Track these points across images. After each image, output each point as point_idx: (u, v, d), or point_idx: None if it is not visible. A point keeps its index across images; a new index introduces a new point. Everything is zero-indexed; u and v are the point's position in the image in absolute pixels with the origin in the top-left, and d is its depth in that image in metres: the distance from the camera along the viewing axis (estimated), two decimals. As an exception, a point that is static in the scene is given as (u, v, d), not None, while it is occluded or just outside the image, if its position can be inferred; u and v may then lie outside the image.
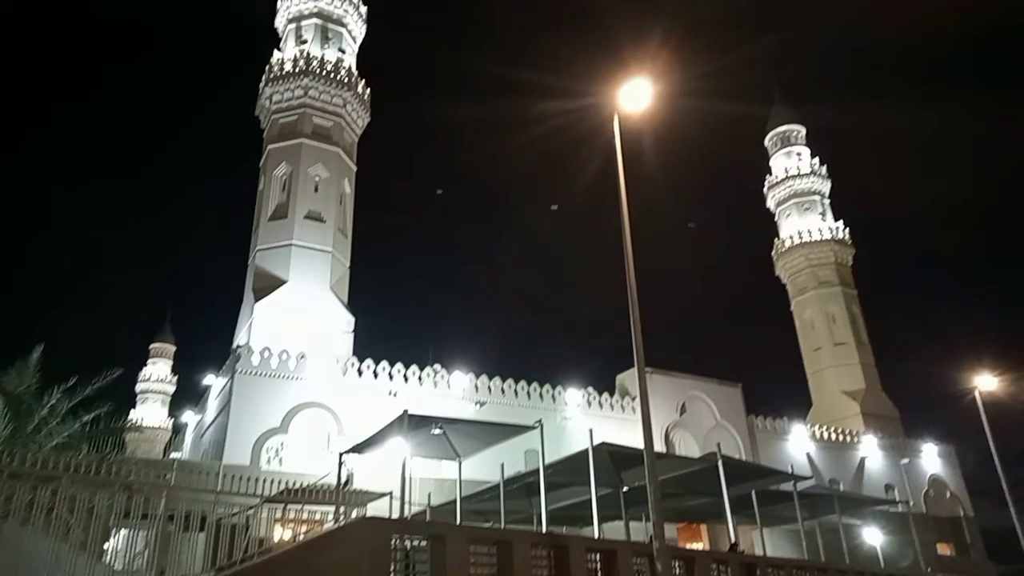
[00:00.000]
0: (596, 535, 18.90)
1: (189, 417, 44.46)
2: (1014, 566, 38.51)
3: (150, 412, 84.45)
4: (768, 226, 70.15)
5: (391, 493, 21.43)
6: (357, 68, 50.01)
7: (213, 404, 36.90)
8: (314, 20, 49.51)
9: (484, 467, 23.79)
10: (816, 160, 69.20)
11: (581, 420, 38.51)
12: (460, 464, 22.05)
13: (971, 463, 54.59)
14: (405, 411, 18.48)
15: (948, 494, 53.34)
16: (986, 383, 30.65)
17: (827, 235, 64.08)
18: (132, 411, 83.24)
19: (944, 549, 48.21)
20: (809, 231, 64.60)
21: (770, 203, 69.93)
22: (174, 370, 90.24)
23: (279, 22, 51.31)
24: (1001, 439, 30.26)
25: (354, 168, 47.11)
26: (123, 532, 19.46)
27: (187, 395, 63.94)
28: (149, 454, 67.13)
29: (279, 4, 51.17)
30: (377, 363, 36.25)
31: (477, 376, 38.56)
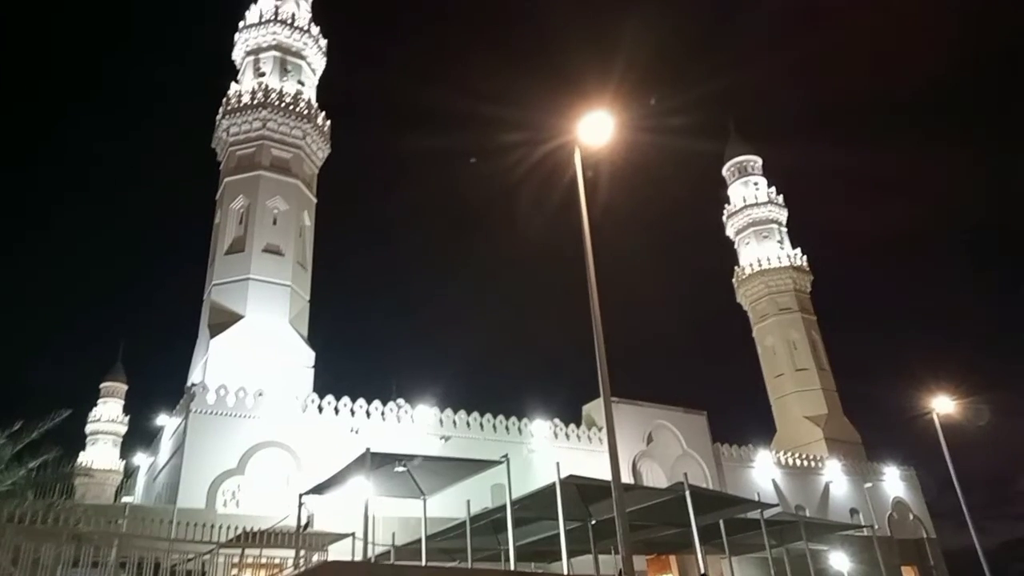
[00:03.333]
0: (565, 570, 18.50)
1: (141, 459, 42.88)
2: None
3: (101, 454, 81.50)
4: (728, 254, 71.30)
5: (353, 534, 20.77)
6: (317, 100, 49.79)
7: (167, 445, 35.64)
8: (273, 52, 49.26)
9: (450, 504, 23.24)
10: (772, 189, 70.69)
11: (548, 452, 38.09)
12: (425, 502, 21.50)
13: (934, 490, 55.44)
14: (367, 449, 17.95)
15: (911, 517, 53.95)
16: (943, 406, 31.15)
17: (785, 262, 65.21)
18: (82, 453, 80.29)
19: (908, 572, 48.64)
20: (768, 258, 65.68)
21: (729, 231, 71.07)
22: (126, 410, 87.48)
23: (237, 55, 50.94)
24: (961, 461, 30.72)
25: (314, 200, 46.60)
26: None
27: (140, 436, 61.93)
28: (100, 499, 64.61)
29: (237, 37, 50.84)
30: (338, 399, 35.45)
31: (442, 410, 37.96)
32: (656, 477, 42.16)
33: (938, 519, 54.64)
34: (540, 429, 39.93)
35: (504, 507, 18.47)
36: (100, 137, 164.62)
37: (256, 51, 49.60)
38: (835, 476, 51.44)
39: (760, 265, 65.55)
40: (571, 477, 19.11)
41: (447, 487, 21.89)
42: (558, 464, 18.59)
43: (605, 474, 15.17)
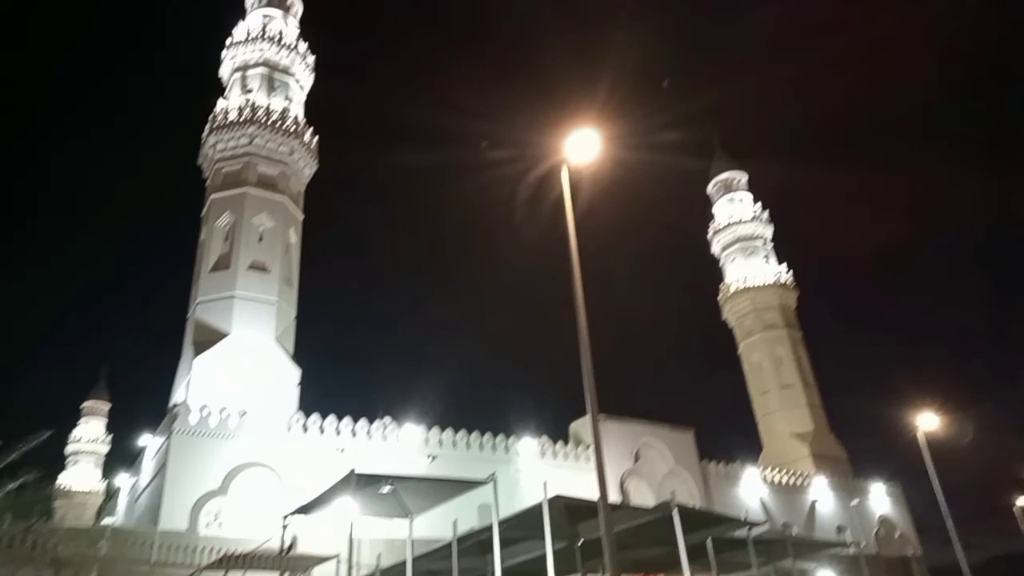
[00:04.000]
0: (552, 592, 18.28)
1: (123, 480, 42.21)
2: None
3: (81, 474, 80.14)
4: (714, 271, 71.52)
5: (338, 556, 20.50)
6: (305, 117, 49.76)
7: (149, 466, 35.14)
8: (260, 69, 49.26)
9: (436, 524, 22.99)
10: (759, 206, 71.02)
11: (535, 470, 37.89)
12: (411, 522, 21.25)
13: (920, 507, 55.52)
14: (352, 470, 17.73)
15: (897, 534, 53.97)
16: (928, 422, 31.25)
17: (771, 279, 65.42)
18: (62, 474, 78.96)
19: (896, 589, 48.55)
20: (754, 275, 65.91)
21: (715, 248, 71.29)
22: (108, 429, 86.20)
23: (224, 71, 50.91)
24: (947, 476, 30.77)
25: (301, 217, 46.42)
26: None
27: (122, 456, 60.98)
28: (80, 520, 63.53)
29: (224, 54, 50.84)
30: (324, 418, 35.13)
31: (429, 428, 37.71)
32: (644, 495, 42.00)
33: (925, 535, 54.78)
34: (527, 447, 39.72)
35: (491, 527, 18.29)
36: (82, 153, 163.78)
37: (243, 68, 49.60)
38: (822, 493, 51.45)
39: (746, 282, 65.78)
40: (558, 497, 18.96)
41: (433, 507, 21.66)
42: (545, 484, 18.44)
43: (593, 492, 15.06)
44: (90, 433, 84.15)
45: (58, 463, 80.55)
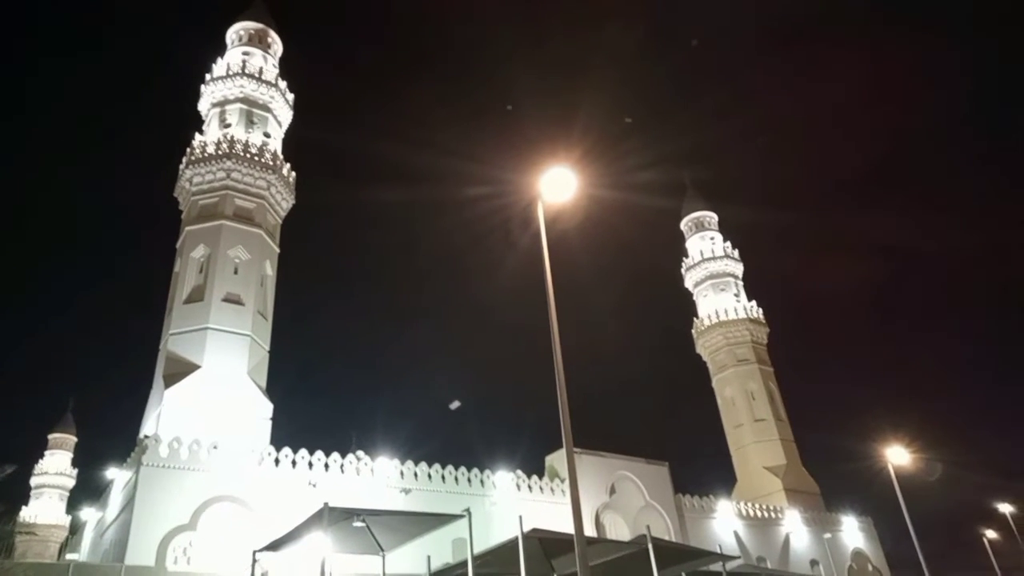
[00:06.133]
0: (527, 628, 18.16)
1: (89, 514, 41.21)
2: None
3: (46, 508, 78.04)
4: (688, 306, 72.44)
5: (310, 592, 20.18)
6: (283, 152, 49.99)
7: (116, 499, 34.39)
8: (239, 105, 49.55)
9: (410, 560, 22.80)
10: (728, 244, 72.52)
11: (511, 504, 37.66)
12: (384, 559, 21.04)
13: (890, 541, 55.90)
14: (325, 504, 17.60)
15: (870, 567, 54.24)
16: (898, 456, 31.74)
17: (743, 315, 66.44)
18: (25, 508, 76.77)
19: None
20: (725, 310, 66.89)
21: (688, 284, 72.41)
22: (75, 463, 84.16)
23: (203, 106, 51.12)
24: (918, 509, 31.19)
25: (277, 250, 46.37)
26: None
27: (88, 491, 59.53)
28: (43, 556, 61.68)
29: (203, 88, 51.10)
30: (296, 451, 34.74)
31: (403, 462, 37.42)
32: (619, 529, 41.90)
33: (897, 569, 55.02)
34: (503, 481, 39.54)
35: (465, 563, 18.22)
36: (54, 181, 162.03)
37: (222, 103, 49.85)
38: (795, 527, 51.67)
39: (718, 317, 66.71)
40: (534, 531, 18.96)
41: (407, 542, 21.48)
42: (520, 519, 18.45)
43: (568, 526, 15.12)
44: (56, 466, 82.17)
45: (22, 496, 78.44)
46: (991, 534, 46.95)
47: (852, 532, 55.22)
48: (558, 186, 15.32)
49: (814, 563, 50.41)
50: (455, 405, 19.20)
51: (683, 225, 75.44)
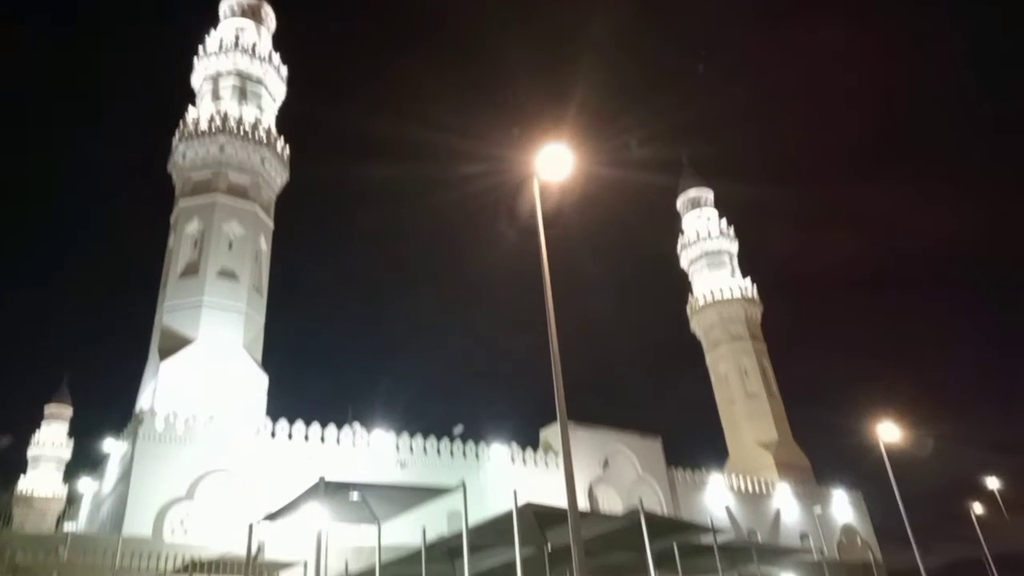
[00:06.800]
0: (520, 598, 18.44)
1: (86, 485, 41.51)
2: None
3: (43, 479, 78.45)
4: (683, 283, 72.62)
5: (305, 563, 20.46)
6: (277, 127, 49.58)
7: (113, 471, 34.64)
8: (232, 79, 49.04)
9: (405, 530, 23.05)
10: (724, 221, 72.53)
11: (505, 476, 38.08)
12: (379, 529, 21.28)
13: (881, 514, 56.69)
14: (321, 478, 17.75)
15: (859, 541, 55.04)
16: (889, 432, 32.07)
17: (737, 294, 66.70)
18: (22, 478, 77.24)
19: (856, 595, 49.48)
20: (720, 288, 67.12)
21: (683, 262, 72.53)
22: (71, 435, 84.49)
23: (196, 80, 50.57)
24: (908, 483, 31.57)
25: (271, 226, 46.21)
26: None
27: (83, 463, 59.85)
28: (40, 527, 62.19)
29: (196, 62, 50.51)
30: (292, 424, 34.97)
31: (399, 435, 37.71)
32: (612, 502, 42.39)
33: (886, 541, 55.82)
34: (498, 454, 39.90)
35: (460, 535, 18.43)
36: (47, 155, 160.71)
37: (215, 77, 49.31)
38: (786, 501, 52.33)
39: (713, 296, 66.96)
40: (528, 505, 19.16)
41: (402, 513, 21.72)
42: (515, 492, 18.63)
43: (562, 497, 15.31)
44: (52, 437, 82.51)
45: (19, 467, 78.92)
46: (979, 508, 47.58)
47: (842, 506, 55.96)
48: (554, 163, 15.29)
49: (804, 536, 51.12)
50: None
51: (679, 203, 75.33)
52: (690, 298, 69.67)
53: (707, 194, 74.76)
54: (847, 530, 54.94)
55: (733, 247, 71.36)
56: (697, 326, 68.37)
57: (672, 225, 75.34)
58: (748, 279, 68.76)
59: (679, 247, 72.92)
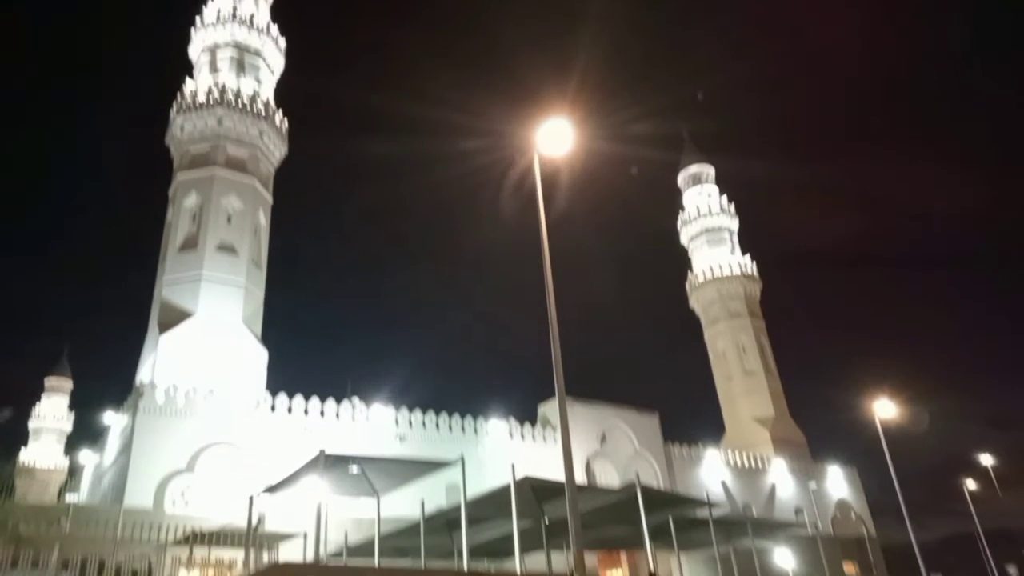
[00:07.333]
0: (518, 568, 18.70)
1: (87, 457, 41.82)
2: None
3: (44, 450, 79.02)
4: (682, 259, 72.59)
5: (305, 534, 20.69)
6: (275, 101, 49.16)
7: (114, 444, 34.88)
8: (230, 51, 48.51)
9: (404, 503, 23.28)
10: (724, 198, 72.28)
11: (504, 450, 38.36)
12: (379, 501, 21.49)
13: (875, 490, 57.29)
14: (322, 451, 17.88)
15: (853, 516, 55.65)
16: (885, 409, 32.26)
17: (737, 271, 66.69)
18: (23, 449, 77.76)
19: (849, 568, 50.17)
20: (720, 266, 67.08)
21: (683, 238, 72.41)
22: (71, 407, 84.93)
23: (193, 51, 50.03)
24: (902, 459, 31.87)
25: (270, 200, 46.00)
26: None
27: (85, 433, 60.25)
28: (42, 498, 62.65)
29: (194, 33, 49.94)
30: (292, 398, 35.15)
31: (398, 409, 37.93)
32: (609, 476, 42.76)
33: (880, 516, 56.56)
34: (496, 428, 40.17)
35: (458, 507, 18.60)
36: (45, 128, 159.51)
37: (213, 48, 48.77)
38: (781, 476, 52.82)
39: (712, 273, 66.95)
40: (526, 479, 19.32)
41: (401, 486, 21.91)
42: (513, 466, 18.78)
43: (560, 472, 15.45)
44: (53, 410, 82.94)
45: (20, 439, 79.43)
46: (972, 485, 48.02)
47: (837, 482, 56.50)
48: (556, 138, 15.18)
49: (798, 511, 51.68)
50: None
51: (680, 180, 75.00)
52: (689, 275, 69.68)
53: (708, 170, 74.42)
54: (841, 505, 55.54)
55: (733, 224, 71.21)
56: (696, 303, 68.46)
57: (673, 201, 75.21)
58: (748, 256, 68.73)
59: (679, 223, 72.76)
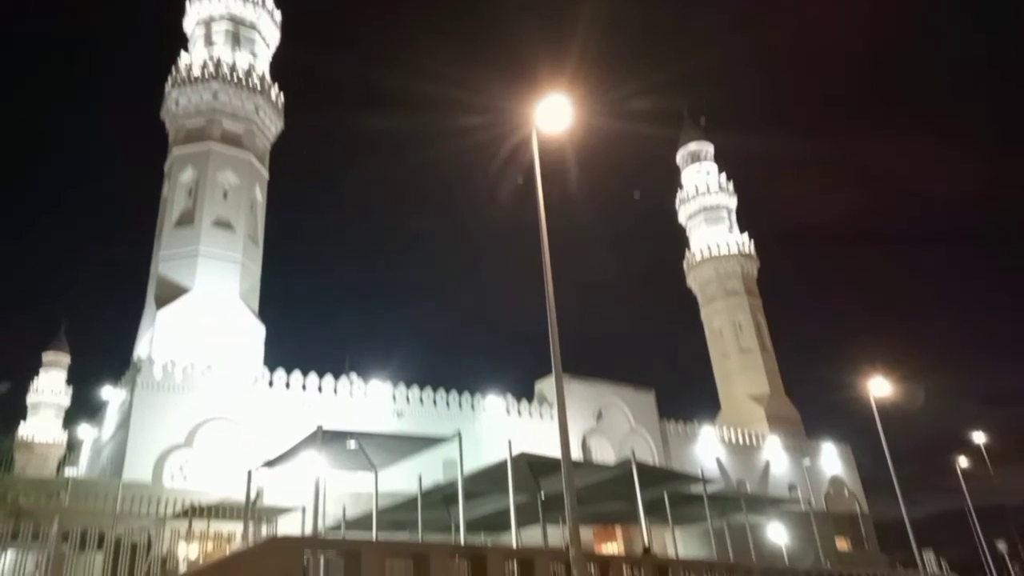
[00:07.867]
0: (514, 542, 18.92)
1: (86, 431, 42.01)
2: (900, 555, 41.82)
3: (43, 425, 79.38)
4: (680, 237, 72.51)
5: (303, 508, 20.86)
6: (271, 76, 48.68)
7: (112, 418, 35.02)
8: (225, 24, 47.94)
9: (401, 478, 23.44)
10: (723, 176, 72.01)
11: (501, 427, 38.59)
12: (376, 476, 21.66)
13: (868, 466, 57.85)
14: (319, 427, 17.97)
15: (846, 492, 56.26)
16: (879, 387, 32.45)
17: (734, 249, 66.69)
18: (22, 424, 78.07)
19: (842, 544, 50.81)
20: (718, 245, 67.05)
21: (681, 217, 72.27)
22: (69, 381, 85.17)
23: (188, 24, 49.43)
24: (895, 436, 32.12)
25: (266, 176, 45.75)
26: (9, 554, 18.20)
27: (84, 408, 60.45)
28: (42, 471, 63.06)
29: (188, 6, 49.30)
30: (290, 373, 35.26)
31: (395, 385, 38.08)
32: (605, 452, 43.09)
33: (873, 493, 57.20)
34: (493, 405, 40.38)
35: (455, 482, 18.76)
36: (42, 103, 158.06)
37: (208, 21, 48.19)
38: (775, 453, 53.27)
39: (710, 251, 66.94)
40: (522, 454, 19.47)
41: (399, 461, 22.07)
42: (510, 442, 18.89)
43: (556, 448, 15.57)
44: (51, 384, 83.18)
45: (19, 413, 79.73)
46: (964, 462, 48.44)
47: (831, 459, 57.01)
48: (554, 115, 15.08)
49: (792, 487, 52.20)
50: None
51: (679, 157, 74.68)
52: (687, 253, 69.67)
53: (707, 148, 74.11)
54: (835, 482, 56.08)
55: (732, 202, 71.06)
56: (693, 281, 68.54)
57: (672, 178, 74.98)
58: (746, 235, 68.68)
59: (677, 202, 72.58)
